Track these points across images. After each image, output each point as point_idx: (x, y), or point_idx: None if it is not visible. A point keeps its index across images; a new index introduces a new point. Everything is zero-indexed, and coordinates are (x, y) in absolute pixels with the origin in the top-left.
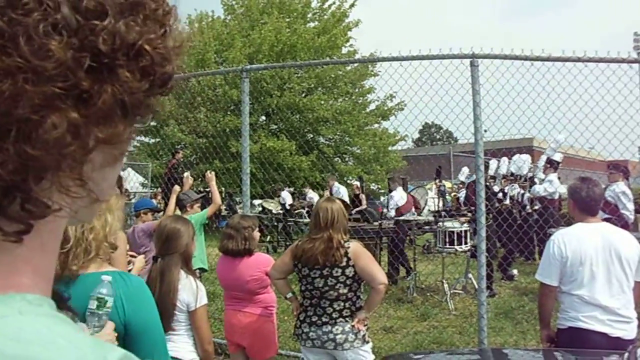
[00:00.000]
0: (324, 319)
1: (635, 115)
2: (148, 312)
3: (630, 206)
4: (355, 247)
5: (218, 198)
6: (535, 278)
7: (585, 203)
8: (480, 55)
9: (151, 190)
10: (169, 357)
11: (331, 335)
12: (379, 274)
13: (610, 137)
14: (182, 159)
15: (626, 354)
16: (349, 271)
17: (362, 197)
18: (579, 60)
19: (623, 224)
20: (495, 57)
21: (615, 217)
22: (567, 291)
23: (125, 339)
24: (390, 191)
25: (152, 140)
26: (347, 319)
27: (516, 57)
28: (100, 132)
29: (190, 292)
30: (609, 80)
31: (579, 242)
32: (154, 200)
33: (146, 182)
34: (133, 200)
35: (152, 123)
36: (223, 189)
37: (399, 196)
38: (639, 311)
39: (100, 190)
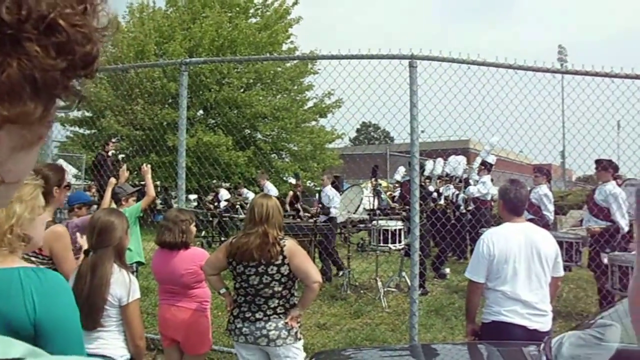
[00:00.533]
0: (257, 316)
1: (556, 122)
2: (62, 309)
3: (551, 208)
4: (290, 244)
5: (152, 191)
6: (466, 277)
7: (513, 204)
8: (419, 57)
9: (85, 183)
10: (85, 354)
11: (264, 332)
12: (314, 273)
13: (536, 142)
14: (114, 150)
15: (542, 345)
16: (284, 269)
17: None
18: (510, 67)
19: (544, 224)
20: (434, 59)
21: (538, 218)
22: (492, 287)
23: (35, 339)
24: (320, 190)
25: (88, 132)
26: (280, 315)
27: (453, 60)
28: (5, 109)
29: (122, 286)
30: (535, 87)
31: (506, 241)
32: (87, 193)
33: (80, 174)
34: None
35: (88, 114)
36: (159, 182)
37: (333, 193)
38: (553, 305)
39: (10, 174)
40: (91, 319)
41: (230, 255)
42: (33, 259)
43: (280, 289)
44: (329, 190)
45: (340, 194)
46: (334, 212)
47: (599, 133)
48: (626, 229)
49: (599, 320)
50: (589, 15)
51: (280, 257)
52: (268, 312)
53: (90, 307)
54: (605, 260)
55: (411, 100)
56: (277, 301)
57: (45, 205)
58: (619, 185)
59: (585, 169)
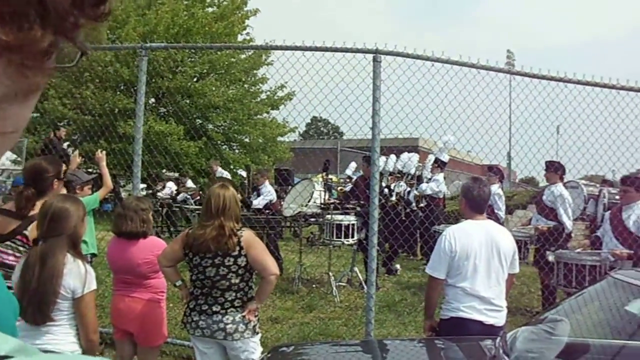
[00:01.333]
0: (214, 309)
1: (503, 125)
2: None
3: (503, 207)
4: (247, 236)
5: (109, 180)
6: (417, 272)
7: (476, 202)
8: (384, 52)
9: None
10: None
11: (221, 325)
12: (271, 265)
13: (483, 143)
14: (65, 136)
15: (497, 339)
16: (241, 260)
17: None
18: (473, 66)
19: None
20: (398, 54)
21: (491, 217)
22: (453, 284)
23: None
24: (257, 187)
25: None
26: (238, 309)
27: (418, 57)
28: (5, 33)
29: (77, 277)
30: (488, 87)
31: (467, 237)
32: None
33: (19, 159)
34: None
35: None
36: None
37: (267, 190)
38: (509, 300)
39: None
40: (40, 312)
41: (187, 247)
42: (21, 248)
43: (237, 281)
44: (266, 186)
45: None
46: (255, 203)
47: (539, 137)
48: (570, 229)
49: (550, 316)
50: (536, 23)
51: (237, 249)
52: (225, 305)
53: (40, 300)
54: (551, 258)
55: (374, 95)
56: (234, 294)
57: (43, 196)
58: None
59: (526, 170)
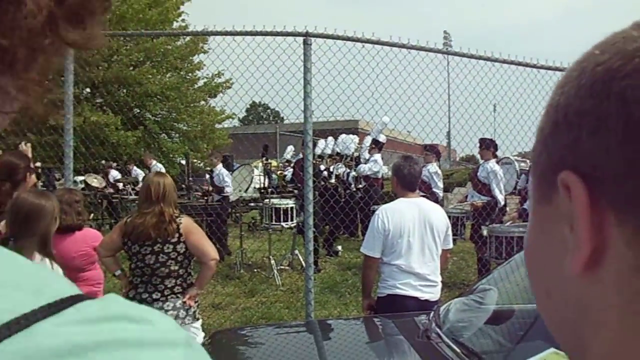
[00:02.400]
0: (154, 296)
1: (443, 105)
2: None
3: (440, 185)
4: (186, 222)
5: (33, 176)
6: (358, 253)
7: (407, 180)
8: (314, 34)
9: None
10: None
11: (162, 312)
12: (211, 250)
13: (424, 122)
14: None
15: (432, 313)
16: (180, 247)
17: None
18: (403, 46)
19: (434, 200)
20: (328, 37)
21: (428, 195)
22: (388, 262)
23: None
24: (212, 170)
25: None
26: (178, 295)
27: (348, 38)
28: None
29: None
30: (424, 70)
31: (400, 215)
32: None
33: None
34: None
35: None
36: (39, 164)
37: (225, 173)
38: (447, 275)
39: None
40: None
41: (126, 235)
42: None
43: (176, 267)
44: (221, 169)
45: (231, 174)
46: (228, 191)
47: (478, 116)
48: (502, 203)
49: (480, 286)
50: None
51: (177, 235)
52: (165, 292)
53: None
54: (485, 232)
55: (305, 78)
56: (173, 280)
57: (16, 190)
58: (498, 163)
59: (467, 149)
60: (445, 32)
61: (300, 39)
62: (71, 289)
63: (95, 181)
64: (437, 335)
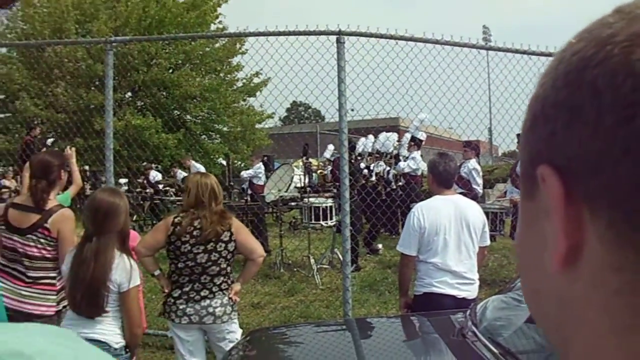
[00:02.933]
0: (202, 294)
1: (483, 97)
2: None
3: (480, 181)
4: (235, 221)
5: (79, 178)
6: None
7: (442, 177)
8: (347, 33)
9: (2, 169)
10: None
11: (210, 309)
12: (258, 247)
13: (464, 118)
14: (39, 136)
15: (468, 311)
16: (231, 245)
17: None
18: (437, 42)
19: (473, 197)
20: (361, 34)
21: (467, 191)
22: (424, 260)
23: None
24: (249, 169)
25: (2, 115)
26: (224, 292)
27: (381, 36)
28: None
29: (123, 272)
30: (462, 63)
31: (436, 213)
32: (6, 181)
33: None
34: None
35: (0, 96)
36: (87, 167)
37: (261, 171)
38: (480, 273)
39: None
40: (93, 306)
41: (174, 235)
42: (42, 240)
43: (225, 265)
44: (259, 167)
45: (271, 174)
46: (265, 191)
47: (519, 107)
48: None
49: (519, 284)
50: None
51: (228, 234)
52: (214, 289)
53: (92, 294)
54: None
55: (339, 77)
56: (222, 278)
57: (53, 187)
58: None
59: (509, 143)
60: (484, 26)
61: (334, 38)
62: None
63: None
64: (473, 333)
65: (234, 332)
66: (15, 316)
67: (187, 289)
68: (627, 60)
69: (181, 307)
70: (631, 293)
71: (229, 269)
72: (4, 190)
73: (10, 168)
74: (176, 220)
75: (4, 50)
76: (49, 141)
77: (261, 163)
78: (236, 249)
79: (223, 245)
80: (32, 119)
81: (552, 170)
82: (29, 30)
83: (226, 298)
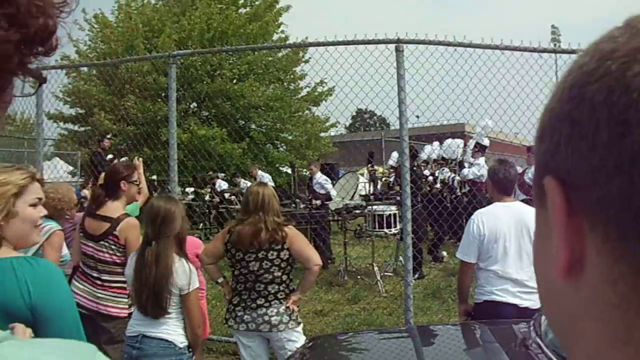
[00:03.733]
0: (258, 302)
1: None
2: (56, 295)
3: None
4: (290, 230)
5: (146, 188)
6: None
7: (502, 184)
8: (405, 41)
9: (81, 180)
10: (83, 337)
11: (266, 318)
12: (314, 256)
13: (530, 123)
14: (109, 147)
15: (532, 321)
16: (284, 254)
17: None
18: (496, 48)
19: None
20: (420, 42)
21: (531, 198)
22: (484, 267)
23: (34, 324)
24: (311, 176)
25: (82, 129)
26: (281, 300)
27: (440, 43)
28: None
29: (184, 275)
30: (532, 68)
31: (495, 220)
32: (85, 191)
33: (75, 170)
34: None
35: (81, 111)
36: (155, 177)
37: (323, 180)
38: None
39: None
40: (158, 307)
41: (229, 243)
42: (113, 247)
43: (279, 274)
44: (320, 177)
45: (335, 182)
46: (333, 194)
47: None
48: None
49: None
50: None
51: (281, 243)
52: (269, 298)
53: (156, 296)
54: None
55: (399, 84)
56: (277, 286)
57: (114, 197)
58: None
59: None
60: (553, 26)
61: (392, 47)
62: None
63: (205, 191)
64: (537, 345)
65: (294, 341)
66: (93, 316)
67: (244, 296)
68: (624, 76)
69: (239, 314)
70: (626, 307)
71: (284, 277)
72: (83, 200)
73: (91, 179)
74: (232, 228)
75: (85, 69)
76: (109, 157)
77: (320, 172)
78: (292, 258)
79: (275, 253)
80: (105, 132)
81: (555, 182)
82: (106, 49)
83: (283, 307)
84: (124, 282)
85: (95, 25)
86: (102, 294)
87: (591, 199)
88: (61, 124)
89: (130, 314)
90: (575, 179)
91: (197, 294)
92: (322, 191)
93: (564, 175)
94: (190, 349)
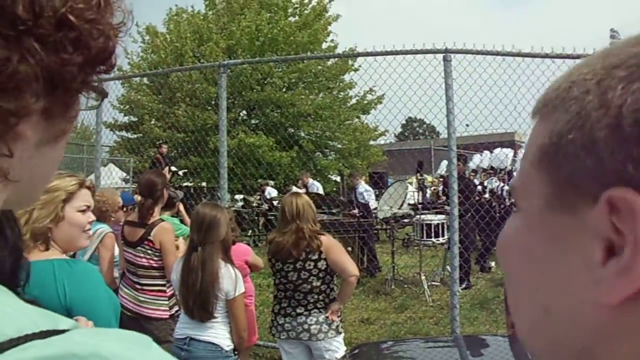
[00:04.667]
0: (298, 311)
1: None
2: (91, 296)
3: None
4: (326, 239)
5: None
6: None
7: None
8: (453, 50)
9: (133, 186)
10: None
11: (305, 326)
12: (350, 267)
13: None
14: (166, 153)
15: None
16: (321, 264)
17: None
18: (546, 56)
19: None
20: (468, 52)
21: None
22: None
23: None
24: (354, 187)
25: (134, 136)
26: (321, 310)
27: (488, 53)
28: (20, 103)
29: (229, 280)
30: None
31: None
32: (136, 197)
33: (128, 177)
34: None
35: (134, 119)
36: (205, 183)
37: (363, 189)
38: None
39: (36, 169)
40: (204, 311)
41: (269, 253)
42: (149, 252)
43: (318, 284)
44: (362, 187)
45: (385, 190)
46: (372, 206)
47: None
48: None
49: None
50: None
51: (317, 252)
52: (309, 307)
53: (203, 300)
54: None
55: (446, 94)
56: (316, 296)
57: (157, 204)
58: None
59: None
60: (612, 30)
61: (440, 56)
62: (32, 324)
63: (253, 198)
64: None
65: (334, 350)
66: (138, 318)
67: (284, 304)
68: None
69: (280, 321)
70: None
71: (323, 287)
72: (134, 205)
73: None
74: (271, 239)
75: (137, 79)
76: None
77: (363, 181)
78: (329, 268)
79: (312, 263)
80: (156, 139)
81: None
82: (157, 59)
83: (323, 316)
84: (163, 285)
85: (147, 37)
86: (143, 297)
87: None
88: (116, 131)
89: (172, 315)
90: None
91: (242, 299)
92: (364, 202)
93: None
94: (236, 352)
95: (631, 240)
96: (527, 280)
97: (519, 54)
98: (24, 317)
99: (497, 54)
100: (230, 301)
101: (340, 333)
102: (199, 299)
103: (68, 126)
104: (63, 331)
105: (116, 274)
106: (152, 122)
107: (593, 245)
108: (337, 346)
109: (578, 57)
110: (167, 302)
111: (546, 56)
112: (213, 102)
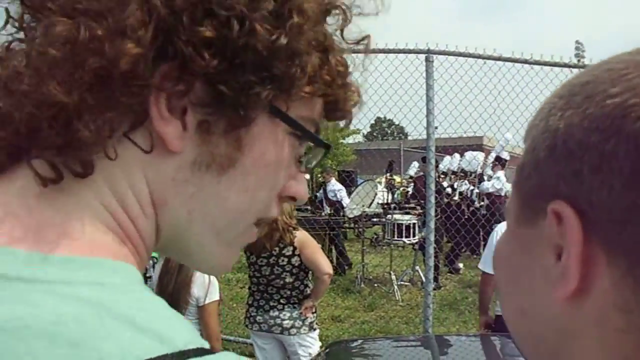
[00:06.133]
0: (271, 304)
1: None
2: None
3: None
4: (301, 236)
5: None
6: (480, 271)
7: None
8: (436, 52)
9: None
10: None
11: (278, 320)
12: (324, 264)
13: None
14: None
15: None
16: (295, 260)
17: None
18: (525, 62)
19: None
20: (450, 53)
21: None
22: None
23: None
24: (324, 184)
25: None
26: (294, 305)
27: (469, 55)
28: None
29: (201, 286)
30: (552, 83)
31: None
32: None
33: None
34: None
35: None
36: None
37: (338, 187)
38: None
39: (197, 203)
40: None
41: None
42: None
43: (291, 280)
44: (334, 185)
45: (354, 189)
46: (345, 203)
47: None
48: None
49: None
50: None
51: (291, 248)
52: (281, 302)
53: (173, 305)
54: None
55: (427, 94)
56: (289, 292)
57: None
58: None
59: None
60: (577, 42)
61: (422, 56)
62: (193, 338)
63: None
64: None
65: (307, 346)
66: None
67: (257, 297)
68: None
69: (253, 314)
70: (636, 332)
71: (297, 283)
72: None
73: None
74: None
75: None
76: None
77: (334, 179)
78: (303, 264)
79: (286, 259)
80: None
81: (573, 211)
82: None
83: (296, 312)
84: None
85: None
86: None
87: (618, 235)
88: None
89: None
90: (599, 212)
91: (215, 307)
92: (336, 199)
93: (585, 205)
94: None
95: (566, 245)
96: (508, 286)
97: (499, 58)
98: (183, 327)
99: (479, 57)
100: (201, 308)
101: (314, 329)
102: (170, 302)
103: (237, 155)
104: (210, 351)
105: None
106: None
107: (548, 253)
108: (311, 342)
109: (556, 64)
110: None
111: (525, 62)
112: None
